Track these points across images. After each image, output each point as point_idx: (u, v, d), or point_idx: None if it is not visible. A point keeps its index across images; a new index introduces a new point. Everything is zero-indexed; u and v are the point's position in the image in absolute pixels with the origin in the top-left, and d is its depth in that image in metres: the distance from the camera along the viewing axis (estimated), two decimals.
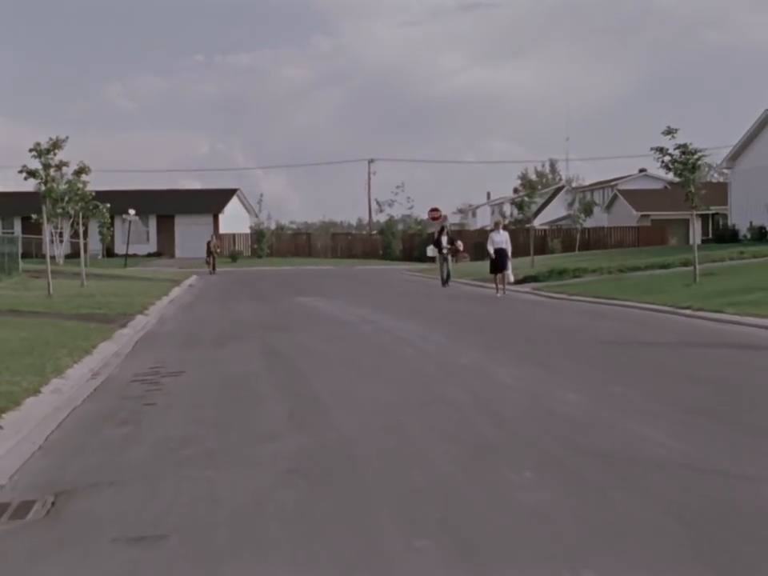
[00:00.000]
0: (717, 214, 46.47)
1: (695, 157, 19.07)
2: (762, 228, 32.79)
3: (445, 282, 26.03)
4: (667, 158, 19.23)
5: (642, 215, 57.90)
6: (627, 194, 60.88)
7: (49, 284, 19.69)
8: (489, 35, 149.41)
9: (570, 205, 62.78)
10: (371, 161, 76.99)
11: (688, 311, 15.27)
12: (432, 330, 13.28)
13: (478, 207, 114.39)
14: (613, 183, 69.21)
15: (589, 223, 61.35)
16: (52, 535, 4.14)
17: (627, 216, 59.18)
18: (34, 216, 31.28)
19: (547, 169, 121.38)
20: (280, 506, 4.42)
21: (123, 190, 57.20)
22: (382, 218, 68.26)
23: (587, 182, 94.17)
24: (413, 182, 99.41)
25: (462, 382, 8.17)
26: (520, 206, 30.52)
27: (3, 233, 55.51)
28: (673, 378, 8.41)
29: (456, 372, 8.84)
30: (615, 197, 62.33)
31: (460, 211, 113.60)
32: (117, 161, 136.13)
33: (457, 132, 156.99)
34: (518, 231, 56.47)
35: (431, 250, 31.36)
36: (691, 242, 26.00)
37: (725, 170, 37.81)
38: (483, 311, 17.64)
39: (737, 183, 35.61)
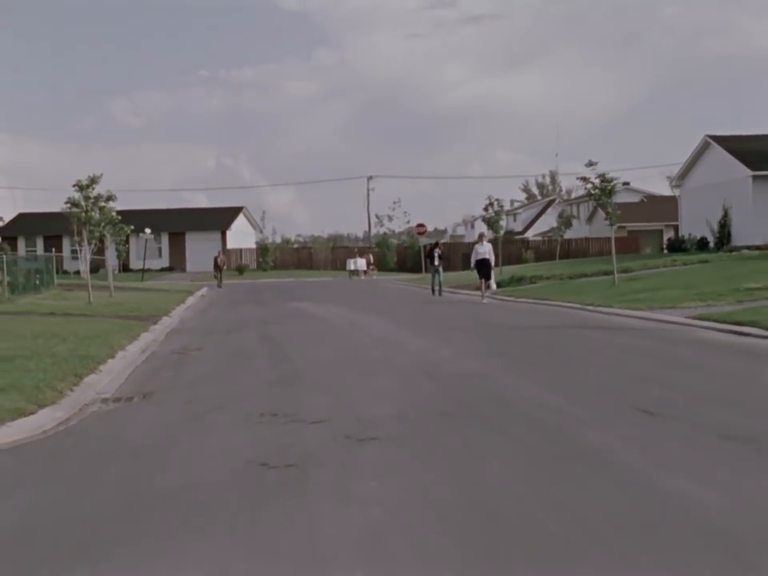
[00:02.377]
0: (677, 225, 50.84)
1: (611, 184, 23.50)
2: (703, 239, 37.24)
3: (436, 291, 27.99)
4: (589, 186, 23.66)
5: (618, 227, 62.25)
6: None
7: (89, 294, 24.24)
8: (492, 47, 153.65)
9: (560, 216, 67.33)
10: (370, 177, 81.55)
11: (590, 307, 19.71)
12: (386, 322, 17.74)
13: (475, 220, 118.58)
14: None
15: (574, 234, 66.15)
16: (147, 405, 8.60)
17: (606, 227, 63.52)
18: (76, 238, 35.86)
19: (548, 180, 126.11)
20: (263, 391, 8.90)
21: (138, 210, 61.80)
22: (382, 231, 73.29)
23: (577, 195, 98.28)
24: (419, 194, 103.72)
25: (383, 348, 12.66)
26: (489, 222, 34.60)
27: (27, 251, 60.26)
28: (526, 345, 12.84)
29: (383, 344, 13.34)
30: (595, 209, 66.70)
31: (465, 223, 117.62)
32: (123, 175, 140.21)
33: (462, 143, 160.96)
34: (507, 243, 61.56)
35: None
36: (648, 251, 30.26)
37: (675, 188, 42.14)
38: (437, 310, 22.08)
39: (685, 199, 40.11)
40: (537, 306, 22.28)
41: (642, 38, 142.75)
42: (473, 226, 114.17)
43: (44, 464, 6.23)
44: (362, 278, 49.32)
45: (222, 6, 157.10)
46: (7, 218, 67.34)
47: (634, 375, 9.40)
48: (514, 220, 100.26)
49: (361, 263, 51.88)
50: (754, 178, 34.09)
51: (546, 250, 61.97)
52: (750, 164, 33.71)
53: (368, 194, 79.68)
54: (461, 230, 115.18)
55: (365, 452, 6.00)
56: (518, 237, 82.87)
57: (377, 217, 76.04)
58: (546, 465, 5.49)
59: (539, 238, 73.34)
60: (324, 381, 9.58)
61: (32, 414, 7.65)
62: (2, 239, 56.81)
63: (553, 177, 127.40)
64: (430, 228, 68.74)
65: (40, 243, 63.43)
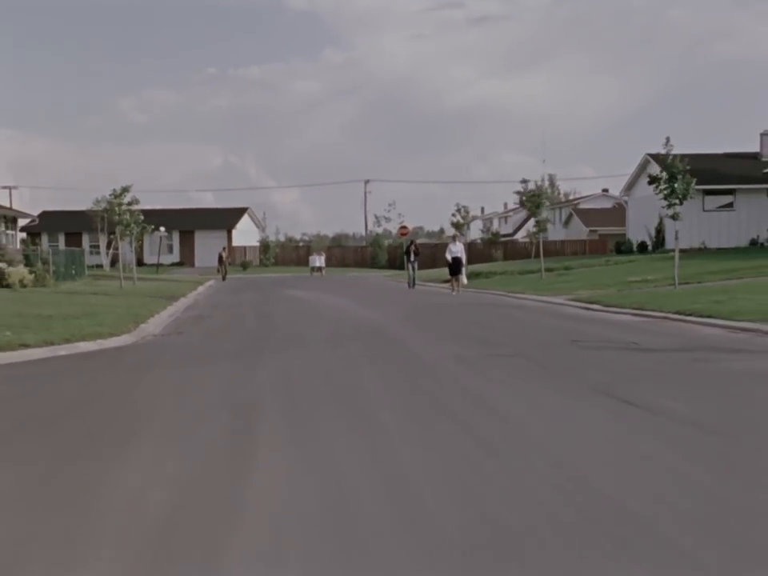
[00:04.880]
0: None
1: (540, 197, 29.36)
2: (643, 243, 43.11)
3: (411, 284, 32.79)
4: (524, 198, 29.49)
5: (590, 230, 68.29)
6: (581, 212, 71.49)
7: (121, 279, 30.25)
8: (498, 49, 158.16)
9: (536, 221, 73.29)
10: (367, 181, 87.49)
11: (512, 294, 25.61)
12: (348, 301, 23.61)
13: (472, 221, 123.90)
14: (576, 201, 79.90)
15: (558, 236, 72.06)
16: (180, 336, 14.50)
17: (580, 231, 69.57)
18: (111, 236, 42.17)
19: (546, 183, 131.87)
20: (250, 330, 14.80)
21: (152, 209, 67.75)
22: (380, 231, 79.34)
23: (579, 196, 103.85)
24: (426, 195, 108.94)
25: (335, 314, 18.58)
26: (456, 226, 40.13)
27: (50, 246, 66.21)
28: (433, 314, 18.68)
29: (337, 312, 19.26)
30: (571, 215, 72.74)
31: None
32: (129, 172, 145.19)
33: (468, 144, 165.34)
34: (491, 243, 67.62)
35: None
36: (612, 252, 35.95)
37: (624, 197, 47.94)
38: (395, 296, 27.93)
39: (631, 208, 45.98)
40: (476, 294, 28.08)
41: (649, 41, 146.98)
42: (468, 228, 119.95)
43: (136, 351, 12.10)
44: (323, 273, 52.08)
45: (230, 4, 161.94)
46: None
47: (484, 325, 15.26)
48: (506, 222, 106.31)
49: (320, 260, 55.11)
50: None
51: (522, 250, 67.75)
52: None
53: (365, 197, 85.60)
54: (452, 231, 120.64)
55: (302, 345, 11.89)
56: (506, 238, 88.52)
57: (375, 217, 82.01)
58: (382, 350, 11.37)
59: (527, 240, 79.04)
60: (289, 326, 15.50)
61: (118, 336, 13.53)
62: (27, 235, 62.70)
63: (551, 180, 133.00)
64: (434, 228, 74.62)
65: (62, 239, 69.24)
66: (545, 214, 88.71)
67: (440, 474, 4.85)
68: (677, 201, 20.60)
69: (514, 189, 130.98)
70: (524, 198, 29.42)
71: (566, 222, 73.40)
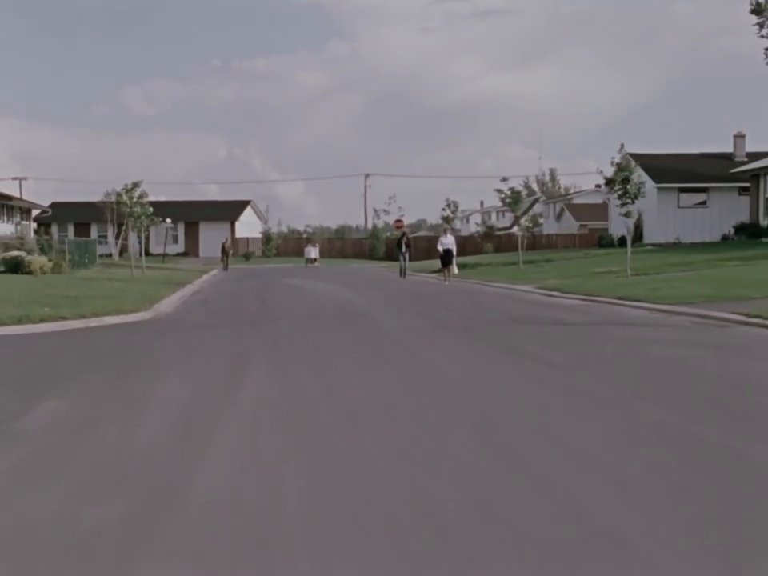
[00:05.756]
0: None
1: (518, 195, 31.88)
2: (623, 237, 45.61)
3: (402, 274, 35.21)
4: (503, 196, 32.05)
5: (581, 224, 70.84)
6: (572, 207, 74.08)
7: (132, 268, 32.84)
8: (504, 42, 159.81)
9: (529, 216, 75.93)
10: (367, 175, 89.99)
11: (490, 283, 28.17)
12: (339, 287, 26.19)
13: (471, 214, 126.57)
14: (570, 197, 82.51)
15: (552, 229, 74.73)
16: (189, 314, 17.10)
17: (571, 225, 72.13)
18: (122, 226, 44.77)
19: (548, 177, 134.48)
20: (250, 310, 17.41)
21: (158, 201, 70.31)
22: (380, 224, 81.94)
23: (578, 190, 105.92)
24: (430, 188, 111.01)
25: (324, 297, 21.21)
26: (446, 220, 42.58)
27: (59, 236, 68.86)
28: (410, 299, 21.26)
29: (325, 295, 21.87)
30: (563, 210, 75.28)
31: (460, 217, 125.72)
32: (134, 163, 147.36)
33: (473, 138, 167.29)
34: (487, 237, 70.07)
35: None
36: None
37: (607, 194, 50.41)
38: (387, 285, 30.50)
39: (613, 204, 48.41)
40: (458, 283, 30.64)
41: (653, 36, 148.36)
42: (467, 221, 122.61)
43: (154, 323, 14.68)
44: (316, 264, 54.22)
45: None
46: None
47: (449, 307, 17.84)
48: (503, 216, 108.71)
49: (315, 252, 57.40)
50: (658, 189, 42.53)
51: (516, 243, 70.23)
52: (655, 178, 42.08)
53: (365, 190, 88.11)
54: (457, 224, 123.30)
55: (291, 319, 14.48)
56: (503, 232, 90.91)
57: (374, 211, 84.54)
58: (354, 322, 13.96)
59: (521, 233, 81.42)
60: (282, 306, 18.11)
61: (137, 313, 16.13)
62: (38, 225, 65.31)
63: (552, 174, 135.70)
64: (437, 221, 77.06)
65: (71, 229, 71.87)
66: (540, 209, 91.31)
67: (364, 386, 7.47)
68: (629, 200, 23.11)
69: (513, 182, 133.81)
70: (503, 197, 31.81)
71: (558, 217, 75.96)
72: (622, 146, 23.97)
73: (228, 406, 6.48)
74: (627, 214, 23.36)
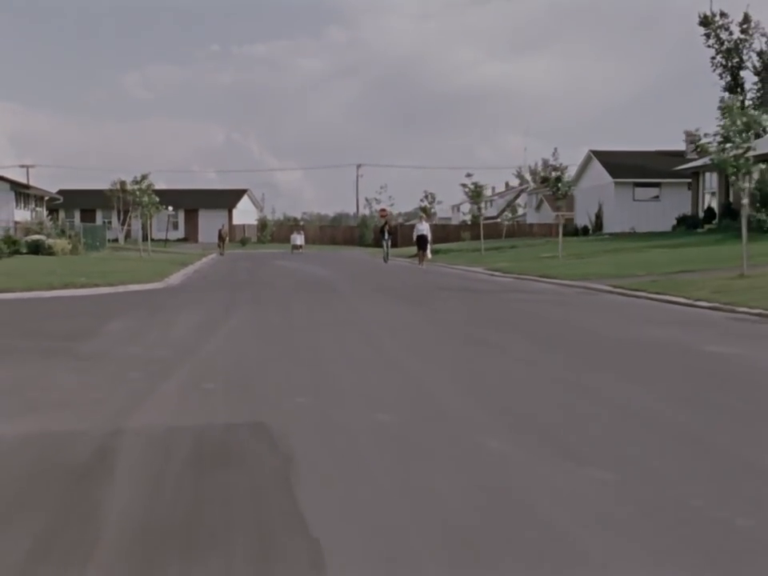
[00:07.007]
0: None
1: (481, 188, 36.27)
2: (585, 227, 50.15)
3: (385, 259, 38.73)
4: (467, 189, 36.41)
5: (557, 215, 75.24)
6: (549, 198, 78.36)
7: (140, 250, 37.26)
8: (503, 29, 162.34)
9: (507, 205, 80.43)
10: (359, 165, 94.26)
11: (451, 266, 32.58)
12: (321, 269, 30.59)
13: (462, 204, 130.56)
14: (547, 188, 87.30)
15: (536, 219, 79.24)
16: (192, 286, 21.50)
17: (549, 215, 76.55)
18: (128, 213, 49.24)
19: (540, 167, 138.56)
20: (241, 283, 21.84)
21: (159, 189, 74.51)
22: (373, 212, 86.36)
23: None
24: (427, 177, 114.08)
25: (304, 276, 25.63)
26: (424, 210, 46.74)
27: (66, 220, 73.16)
28: (373, 276, 25.65)
29: (307, 275, 26.30)
30: (542, 200, 79.69)
31: (452, 207, 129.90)
32: (132, 148, 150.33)
33: (472, 125, 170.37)
34: (473, 225, 74.33)
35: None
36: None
37: (573, 188, 54.88)
38: (364, 267, 34.89)
39: (578, 197, 52.90)
40: (428, 266, 35.03)
41: (653, 25, 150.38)
42: (459, 210, 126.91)
43: (167, 290, 19.06)
44: (301, 251, 57.60)
45: None
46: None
47: (402, 281, 22.23)
48: (491, 205, 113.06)
49: (300, 239, 61.39)
50: (615, 184, 46.98)
51: (501, 231, 74.70)
52: (613, 173, 46.54)
53: (357, 180, 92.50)
54: (449, 213, 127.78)
55: (271, 288, 18.89)
56: (490, 221, 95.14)
57: (366, 200, 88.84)
58: (319, 289, 18.38)
59: (506, 222, 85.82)
60: (268, 281, 22.53)
61: (152, 283, 20.52)
62: (48, 211, 69.50)
63: (545, 164, 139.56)
64: (433, 210, 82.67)
65: (77, 215, 76.09)
66: (526, 199, 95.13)
67: (307, 318, 11.88)
68: (561, 196, 27.49)
69: (510, 172, 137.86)
70: (467, 190, 36.18)
71: (537, 207, 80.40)
72: (555, 149, 28.35)
73: (222, 324, 10.92)
74: (559, 208, 27.73)
